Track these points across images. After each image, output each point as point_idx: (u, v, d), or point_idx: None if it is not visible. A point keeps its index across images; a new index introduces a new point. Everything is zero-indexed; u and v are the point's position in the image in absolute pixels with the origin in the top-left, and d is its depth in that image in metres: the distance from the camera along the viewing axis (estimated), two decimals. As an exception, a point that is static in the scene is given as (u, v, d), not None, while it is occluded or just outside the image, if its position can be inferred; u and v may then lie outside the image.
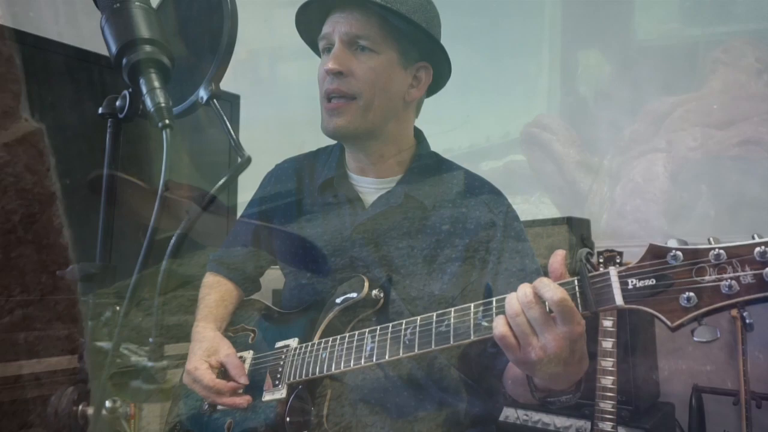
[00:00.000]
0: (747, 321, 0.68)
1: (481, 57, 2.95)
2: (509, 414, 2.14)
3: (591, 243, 2.34)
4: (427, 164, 1.22)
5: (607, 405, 1.71)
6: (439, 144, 1.30)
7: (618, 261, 1.72)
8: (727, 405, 1.96)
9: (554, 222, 2.28)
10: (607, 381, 1.71)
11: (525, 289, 0.80)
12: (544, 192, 2.77)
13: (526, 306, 0.79)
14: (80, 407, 0.60)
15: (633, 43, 2.66)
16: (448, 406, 1.11)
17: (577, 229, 2.28)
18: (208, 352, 1.14)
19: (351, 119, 1.10)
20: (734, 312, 1.90)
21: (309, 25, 1.20)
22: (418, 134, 1.27)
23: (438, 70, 1.20)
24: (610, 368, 1.71)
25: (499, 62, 2.97)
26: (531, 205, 2.74)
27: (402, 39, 1.12)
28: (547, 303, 0.77)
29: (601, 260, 1.73)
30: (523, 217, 1.21)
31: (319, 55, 1.21)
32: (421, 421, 1.09)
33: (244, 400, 1.08)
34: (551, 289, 0.77)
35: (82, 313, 0.66)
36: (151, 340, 0.57)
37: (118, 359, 0.58)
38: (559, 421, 2.07)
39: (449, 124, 2.81)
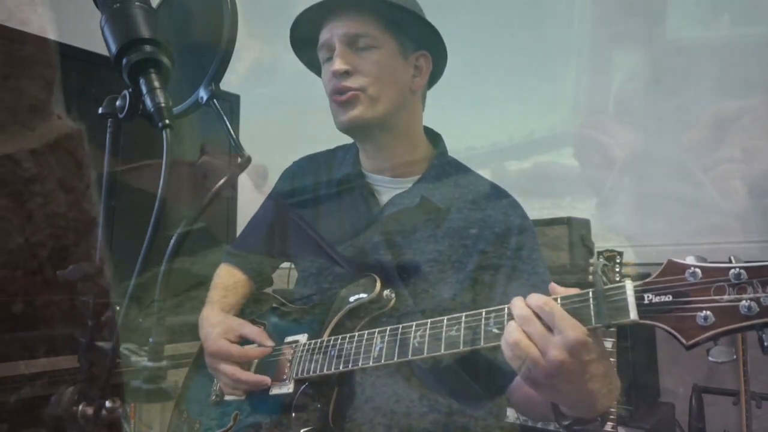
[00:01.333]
0: (765, 344, 0.67)
1: (502, 52, 2.82)
2: (509, 414, 2.14)
3: (591, 243, 2.34)
4: (444, 169, 1.23)
5: (607, 405, 1.71)
6: (460, 143, 1.29)
7: (618, 261, 1.72)
8: (727, 405, 1.96)
9: (554, 222, 2.27)
10: (607, 381, 1.71)
11: (520, 304, 0.80)
12: (593, 196, 2.56)
13: (523, 323, 0.79)
14: (80, 407, 0.60)
15: (671, 41, 2.46)
16: (455, 410, 1.11)
17: (577, 229, 2.28)
18: (223, 331, 1.16)
19: (363, 109, 1.12)
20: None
21: (305, 41, 1.21)
22: (436, 137, 1.29)
23: (436, 57, 1.22)
24: (610, 368, 1.71)
25: (522, 57, 2.81)
26: (562, 210, 2.52)
27: (398, 31, 1.15)
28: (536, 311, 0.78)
29: (599, 260, 1.73)
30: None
31: (317, 73, 1.24)
32: (427, 424, 1.10)
33: (266, 378, 1.10)
34: (534, 295, 0.79)
35: (82, 313, 0.66)
36: (151, 340, 0.57)
37: (118, 359, 0.58)
38: (559, 421, 2.07)
39: (469, 120, 2.69)
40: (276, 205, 1.37)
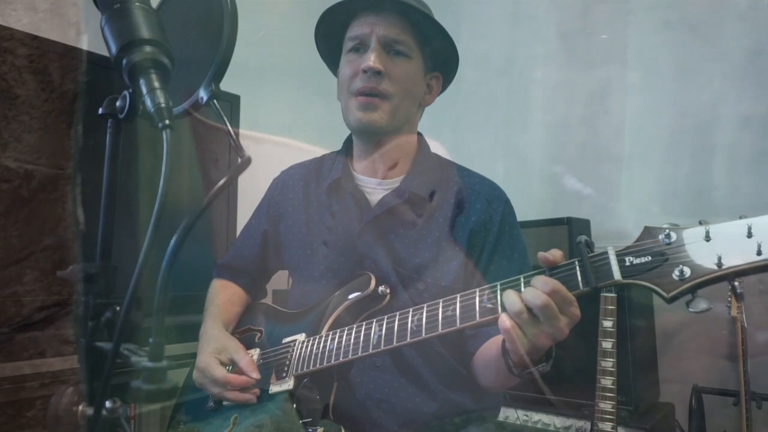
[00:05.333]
0: (738, 291, 0.74)
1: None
2: (509, 414, 2.14)
3: (591, 243, 2.34)
4: (429, 164, 1.26)
5: (607, 405, 1.71)
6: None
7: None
8: (727, 405, 1.96)
9: (554, 222, 2.28)
10: (607, 381, 1.71)
11: (514, 298, 0.84)
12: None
13: (516, 314, 0.83)
14: (80, 407, 0.60)
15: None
16: (451, 402, 1.13)
17: (577, 230, 2.29)
18: (217, 349, 1.17)
19: (383, 116, 1.15)
20: (734, 309, 1.90)
21: (332, 26, 1.23)
22: (418, 135, 1.32)
23: (445, 80, 1.28)
24: (610, 368, 1.71)
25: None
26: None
27: (427, 48, 1.20)
28: (533, 309, 0.82)
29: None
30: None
31: (327, 62, 1.29)
32: (424, 415, 1.11)
33: (254, 395, 1.11)
34: (542, 282, 0.83)
35: (82, 313, 0.66)
36: (151, 340, 0.57)
37: (118, 359, 0.58)
38: (559, 421, 2.07)
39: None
40: (267, 214, 1.37)
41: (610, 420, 1.71)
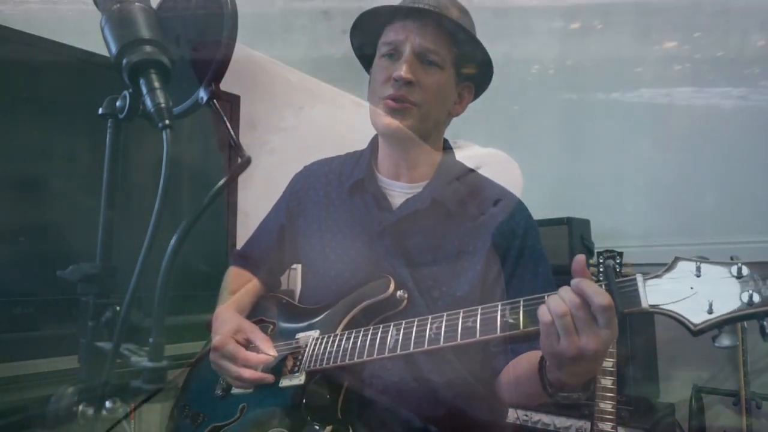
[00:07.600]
0: (767, 331, 0.76)
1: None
2: (509, 414, 2.14)
3: (590, 243, 2.34)
4: (453, 172, 1.26)
5: (607, 405, 1.71)
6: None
7: (618, 261, 1.72)
8: (727, 405, 1.96)
9: (554, 222, 2.28)
10: (607, 381, 1.72)
11: (568, 294, 0.81)
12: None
13: (574, 308, 0.80)
14: (80, 407, 0.60)
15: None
16: (458, 410, 1.13)
17: (577, 229, 2.29)
18: (233, 330, 1.17)
19: (411, 123, 1.15)
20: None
21: (368, 28, 1.23)
22: (444, 141, 1.32)
23: (477, 90, 1.27)
24: (610, 368, 1.72)
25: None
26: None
27: (460, 59, 1.18)
28: (592, 307, 0.79)
29: (601, 260, 1.73)
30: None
31: (361, 61, 1.28)
32: (431, 421, 1.11)
33: (270, 376, 1.11)
34: (601, 295, 0.79)
35: (82, 313, 0.66)
36: (151, 340, 0.57)
37: (118, 359, 0.58)
38: (559, 421, 2.08)
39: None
40: (287, 209, 1.37)
41: (610, 420, 1.71)
